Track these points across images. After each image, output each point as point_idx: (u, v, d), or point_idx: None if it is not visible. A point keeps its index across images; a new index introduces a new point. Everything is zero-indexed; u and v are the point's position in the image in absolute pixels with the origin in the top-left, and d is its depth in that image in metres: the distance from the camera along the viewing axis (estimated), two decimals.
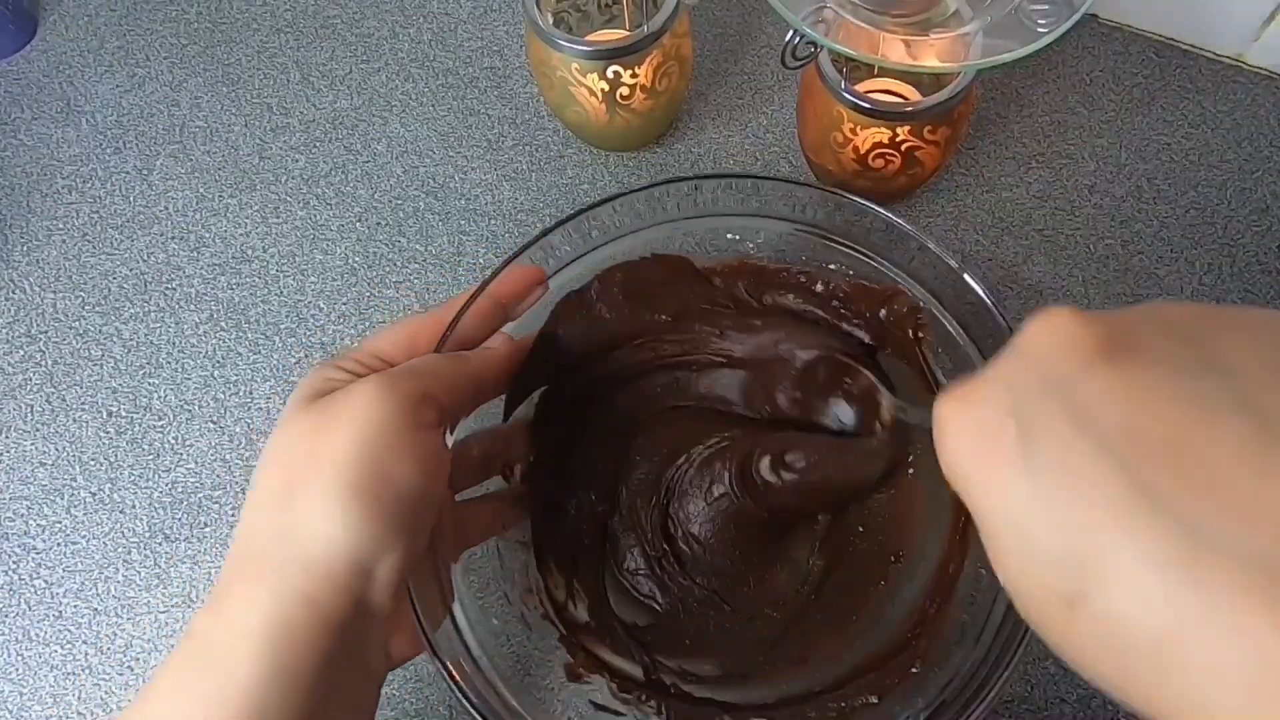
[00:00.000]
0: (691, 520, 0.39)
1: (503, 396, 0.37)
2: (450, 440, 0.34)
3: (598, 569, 0.39)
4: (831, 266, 0.39)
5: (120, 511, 0.47)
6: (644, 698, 0.35)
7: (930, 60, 0.40)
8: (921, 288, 0.36)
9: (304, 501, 0.27)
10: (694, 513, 0.39)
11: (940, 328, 0.36)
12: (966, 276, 0.34)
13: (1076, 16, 0.37)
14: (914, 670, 0.33)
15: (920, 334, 0.37)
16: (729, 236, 0.39)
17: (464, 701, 0.30)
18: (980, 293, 0.34)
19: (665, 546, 0.39)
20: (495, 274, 0.35)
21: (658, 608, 0.38)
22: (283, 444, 0.28)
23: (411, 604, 0.30)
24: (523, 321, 0.37)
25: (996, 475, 0.18)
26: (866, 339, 0.39)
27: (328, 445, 0.27)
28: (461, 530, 0.35)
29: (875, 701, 0.34)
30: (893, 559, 0.38)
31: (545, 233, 0.36)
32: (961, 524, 0.36)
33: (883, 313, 0.38)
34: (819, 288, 0.39)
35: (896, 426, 0.37)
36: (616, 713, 0.34)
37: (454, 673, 0.30)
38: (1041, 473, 0.17)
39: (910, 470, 0.38)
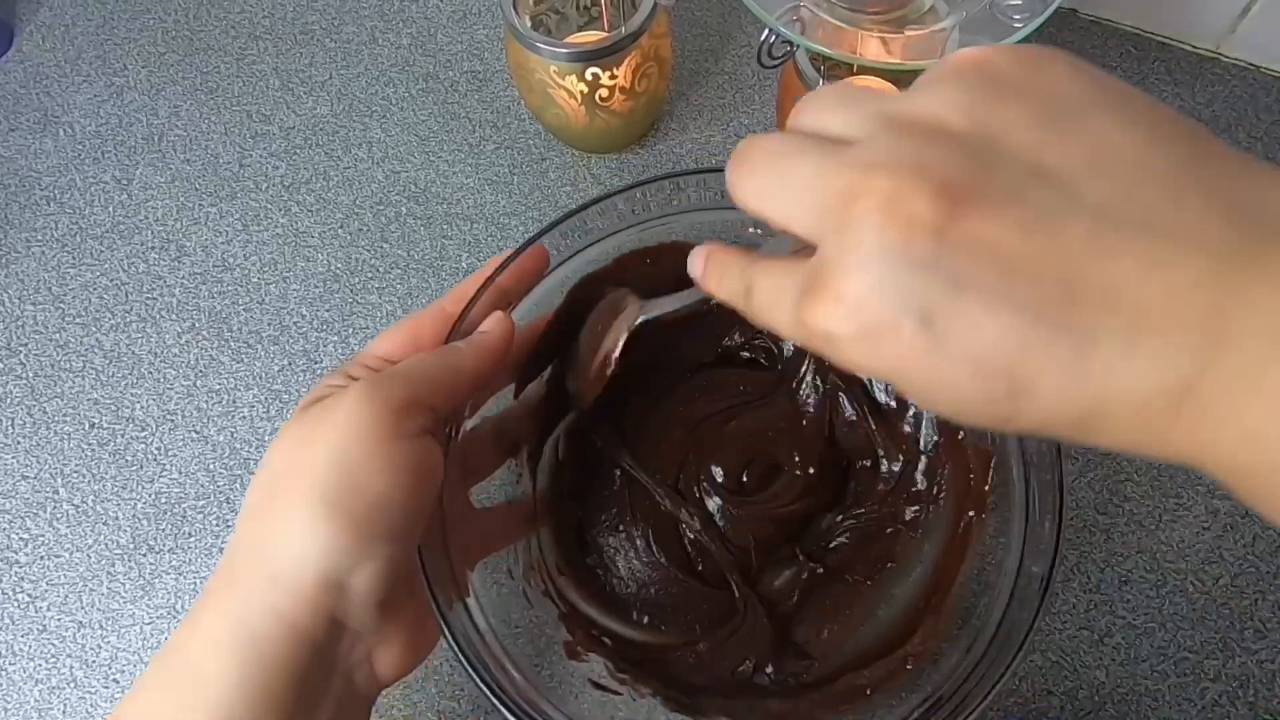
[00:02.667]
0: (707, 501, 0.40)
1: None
2: (466, 425, 0.34)
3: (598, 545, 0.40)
4: None
5: (103, 523, 0.47)
6: (638, 679, 0.35)
7: (906, 57, 0.40)
8: None
9: (277, 515, 0.26)
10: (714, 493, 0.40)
11: None
12: None
13: (1050, 10, 0.37)
14: (908, 666, 0.33)
15: None
16: (752, 231, 0.39)
17: (476, 680, 0.30)
18: None
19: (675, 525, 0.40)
20: (504, 265, 0.34)
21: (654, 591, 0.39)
22: (272, 456, 0.28)
23: (434, 602, 0.30)
24: (535, 301, 0.37)
25: (906, 367, 0.19)
26: None
27: (306, 457, 0.27)
28: (484, 537, 0.35)
29: (869, 693, 0.34)
30: (888, 563, 0.38)
31: (555, 224, 0.36)
32: (960, 531, 0.36)
33: None
34: None
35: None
36: (614, 692, 0.35)
37: (472, 662, 0.30)
38: (952, 343, 0.18)
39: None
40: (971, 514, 0.35)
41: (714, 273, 0.25)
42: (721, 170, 0.35)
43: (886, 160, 0.19)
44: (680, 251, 0.39)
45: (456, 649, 0.30)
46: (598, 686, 0.34)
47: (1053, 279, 0.17)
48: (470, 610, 0.32)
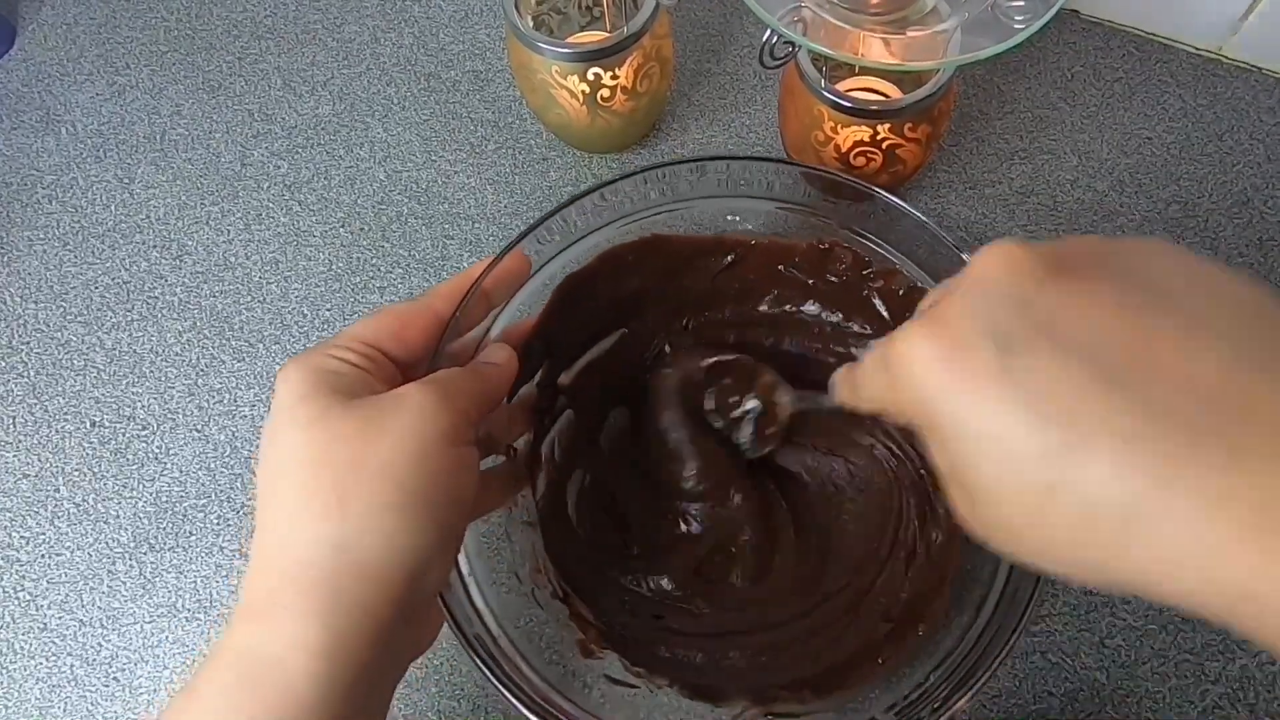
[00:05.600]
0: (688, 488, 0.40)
1: None
2: None
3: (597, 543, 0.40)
4: (824, 247, 0.40)
5: (104, 522, 0.47)
6: (654, 671, 0.35)
7: (908, 58, 0.40)
8: (920, 269, 0.37)
9: (361, 511, 0.26)
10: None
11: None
12: (966, 257, 0.35)
13: (1052, 12, 0.37)
14: (919, 633, 0.34)
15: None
16: (729, 218, 0.40)
17: (493, 680, 0.30)
18: None
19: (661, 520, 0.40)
20: (490, 267, 0.35)
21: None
22: (318, 445, 0.26)
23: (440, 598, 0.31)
24: (522, 302, 0.37)
25: (975, 389, 0.20)
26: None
27: (381, 453, 0.26)
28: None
29: (880, 663, 0.34)
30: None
31: (534, 227, 0.37)
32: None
33: (879, 286, 0.39)
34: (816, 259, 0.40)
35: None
36: (631, 686, 0.35)
37: (479, 652, 0.31)
38: (1020, 379, 0.20)
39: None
40: None
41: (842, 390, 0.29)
42: (692, 162, 0.37)
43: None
44: (660, 246, 0.39)
45: (469, 649, 0.30)
46: (614, 682, 0.35)
47: (1129, 353, 0.19)
48: (482, 615, 0.33)
